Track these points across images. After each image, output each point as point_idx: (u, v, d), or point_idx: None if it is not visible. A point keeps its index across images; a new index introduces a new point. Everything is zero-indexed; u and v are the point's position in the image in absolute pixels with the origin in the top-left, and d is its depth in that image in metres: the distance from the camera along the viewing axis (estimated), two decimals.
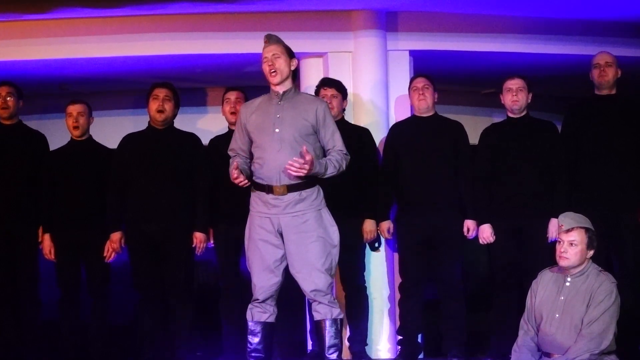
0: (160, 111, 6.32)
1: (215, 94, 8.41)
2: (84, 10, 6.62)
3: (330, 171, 5.37)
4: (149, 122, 6.43)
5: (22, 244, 6.47)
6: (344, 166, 5.44)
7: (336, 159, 5.40)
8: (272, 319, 5.50)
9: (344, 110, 6.63)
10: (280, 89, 5.44)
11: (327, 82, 6.59)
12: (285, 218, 5.38)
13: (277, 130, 5.37)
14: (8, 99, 6.53)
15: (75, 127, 6.51)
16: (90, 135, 6.62)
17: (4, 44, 6.85)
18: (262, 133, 5.40)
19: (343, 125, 6.35)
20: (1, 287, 6.48)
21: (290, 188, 5.35)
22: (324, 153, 5.48)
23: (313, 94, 6.42)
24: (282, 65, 5.42)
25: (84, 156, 6.52)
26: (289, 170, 5.24)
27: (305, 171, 5.24)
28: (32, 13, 6.61)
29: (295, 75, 5.52)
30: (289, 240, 5.39)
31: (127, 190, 6.29)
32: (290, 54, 5.46)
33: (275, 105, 5.44)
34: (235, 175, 5.32)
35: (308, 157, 5.21)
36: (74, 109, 6.53)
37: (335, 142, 5.46)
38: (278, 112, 5.41)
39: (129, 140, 6.44)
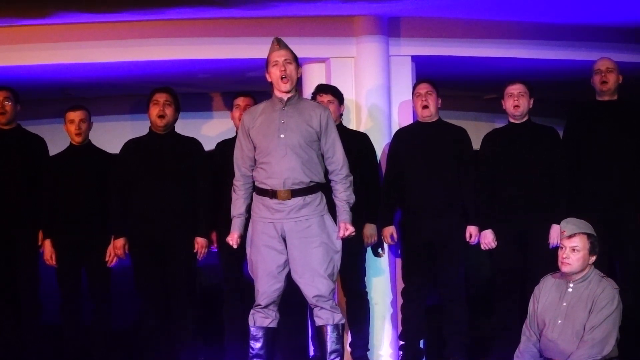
0: (161, 116, 6.32)
1: (221, 99, 8.42)
2: (86, 16, 6.62)
3: (352, 203, 5.52)
4: (150, 127, 6.43)
5: (22, 247, 6.47)
6: (352, 188, 5.55)
7: (347, 195, 5.50)
8: (274, 324, 5.51)
9: (341, 115, 6.63)
10: (285, 95, 5.45)
11: (322, 89, 6.58)
12: (289, 223, 5.40)
13: (282, 136, 5.38)
14: (5, 103, 6.53)
15: (78, 134, 6.51)
16: (90, 140, 6.62)
17: (5, 49, 6.84)
18: (267, 139, 5.41)
19: (341, 131, 6.33)
20: (1, 290, 6.49)
21: (294, 193, 5.37)
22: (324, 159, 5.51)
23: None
24: (292, 71, 5.43)
25: (83, 161, 6.52)
26: (352, 234, 5.50)
27: (353, 228, 5.48)
28: (33, 18, 6.62)
29: (297, 82, 5.54)
30: (292, 246, 5.40)
31: (130, 195, 6.29)
32: (297, 61, 5.47)
33: (279, 111, 5.45)
34: (235, 245, 5.57)
35: (347, 233, 5.44)
36: (76, 115, 6.53)
37: (335, 151, 5.47)
38: (282, 118, 5.42)
39: (131, 145, 6.44)
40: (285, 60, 5.42)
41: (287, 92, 5.44)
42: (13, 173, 6.48)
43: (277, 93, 5.48)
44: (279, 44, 5.47)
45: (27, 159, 6.53)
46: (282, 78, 5.41)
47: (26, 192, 6.47)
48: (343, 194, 5.48)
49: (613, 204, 6.38)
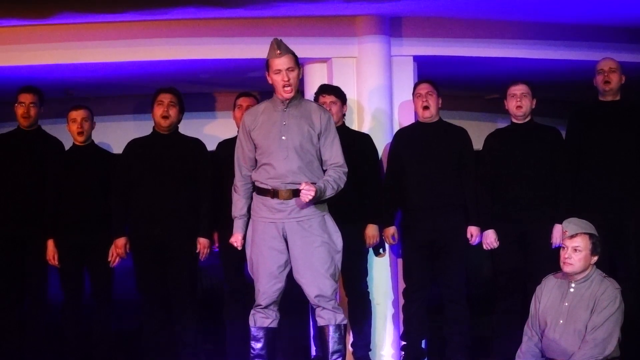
0: (165, 117, 6.32)
1: (223, 98, 8.42)
2: (89, 16, 6.63)
3: (329, 193, 5.40)
4: (153, 127, 6.43)
5: (32, 248, 6.47)
6: (342, 185, 5.47)
7: (334, 179, 5.42)
8: (274, 325, 5.52)
9: (344, 115, 6.63)
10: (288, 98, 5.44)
11: (325, 89, 6.58)
12: (291, 223, 5.40)
13: (283, 137, 5.38)
14: (31, 107, 6.55)
15: (80, 133, 6.52)
16: (92, 140, 6.63)
17: (8, 49, 6.84)
18: (268, 140, 5.40)
19: (344, 131, 6.36)
20: (9, 291, 6.49)
21: (296, 193, 5.36)
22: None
23: (312, 100, 6.42)
24: (294, 79, 5.41)
25: (86, 161, 6.52)
26: (307, 196, 5.25)
27: (314, 192, 5.25)
28: (36, 18, 6.62)
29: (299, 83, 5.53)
30: (294, 246, 5.40)
31: (132, 195, 6.29)
32: (299, 64, 5.46)
33: (280, 112, 5.44)
34: (239, 247, 5.56)
35: (307, 186, 5.25)
36: (78, 114, 6.54)
37: (333, 152, 5.45)
38: (284, 120, 5.42)
39: (134, 145, 6.44)
40: (288, 68, 5.39)
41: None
42: (28, 174, 6.48)
43: (279, 95, 5.47)
44: (280, 48, 5.40)
45: (43, 161, 6.52)
46: (284, 87, 5.39)
47: (39, 193, 6.47)
48: (331, 177, 5.41)
49: (615, 204, 6.37)
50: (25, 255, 6.48)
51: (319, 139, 5.44)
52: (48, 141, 6.65)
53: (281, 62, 5.39)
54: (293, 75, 5.40)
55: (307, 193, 5.24)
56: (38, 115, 6.62)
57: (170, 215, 6.24)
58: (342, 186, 5.47)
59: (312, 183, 5.32)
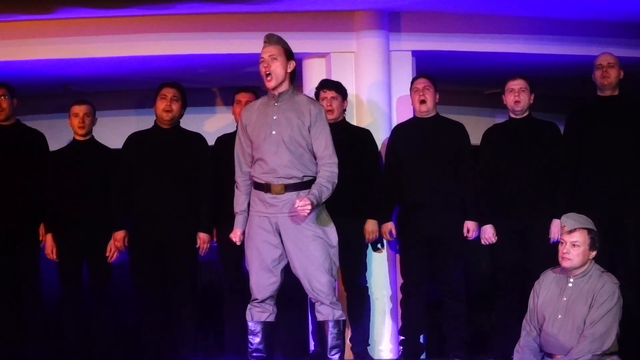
0: (167, 111, 6.32)
1: (222, 94, 8.42)
2: (88, 10, 6.63)
3: (326, 195, 5.36)
4: (155, 121, 6.43)
5: (23, 243, 6.47)
6: (336, 180, 5.40)
7: (326, 179, 5.36)
8: (272, 319, 5.51)
9: (344, 111, 6.63)
10: (277, 91, 5.42)
11: (326, 84, 6.58)
12: (283, 217, 5.39)
13: (273, 132, 5.37)
14: (1, 100, 6.53)
15: (81, 127, 6.51)
16: (93, 136, 6.62)
17: (6, 44, 6.85)
18: (260, 135, 5.39)
19: (344, 126, 6.37)
20: (3, 287, 6.48)
21: (288, 188, 5.36)
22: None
23: (313, 96, 6.42)
24: (277, 68, 5.37)
25: (86, 156, 6.52)
26: (305, 211, 5.21)
27: (310, 206, 5.22)
28: (35, 13, 6.62)
29: (294, 76, 5.48)
30: (288, 240, 5.39)
31: (132, 194, 6.29)
32: (288, 56, 5.42)
33: (272, 107, 5.43)
34: (238, 242, 5.53)
35: (299, 205, 5.20)
36: (81, 109, 6.54)
37: (322, 144, 5.39)
38: (275, 114, 5.40)
39: (135, 139, 6.44)
40: (270, 56, 5.36)
41: (274, 89, 5.42)
42: (14, 169, 6.47)
43: (269, 89, 5.47)
44: (268, 40, 5.41)
45: (27, 155, 6.52)
46: (265, 75, 5.38)
47: (27, 187, 6.47)
48: (323, 178, 5.35)
49: (614, 202, 6.35)
50: (18, 251, 6.47)
51: (309, 131, 5.42)
52: (28, 134, 6.62)
53: (265, 51, 5.39)
54: (276, 64, 5.36)
55: (304, 208, 5.21)
56: (12, 107, 6.56)
57: (170, 215, 6.24)
58: (337, 180, 5.43)
59: (305, 186, 5.32)
